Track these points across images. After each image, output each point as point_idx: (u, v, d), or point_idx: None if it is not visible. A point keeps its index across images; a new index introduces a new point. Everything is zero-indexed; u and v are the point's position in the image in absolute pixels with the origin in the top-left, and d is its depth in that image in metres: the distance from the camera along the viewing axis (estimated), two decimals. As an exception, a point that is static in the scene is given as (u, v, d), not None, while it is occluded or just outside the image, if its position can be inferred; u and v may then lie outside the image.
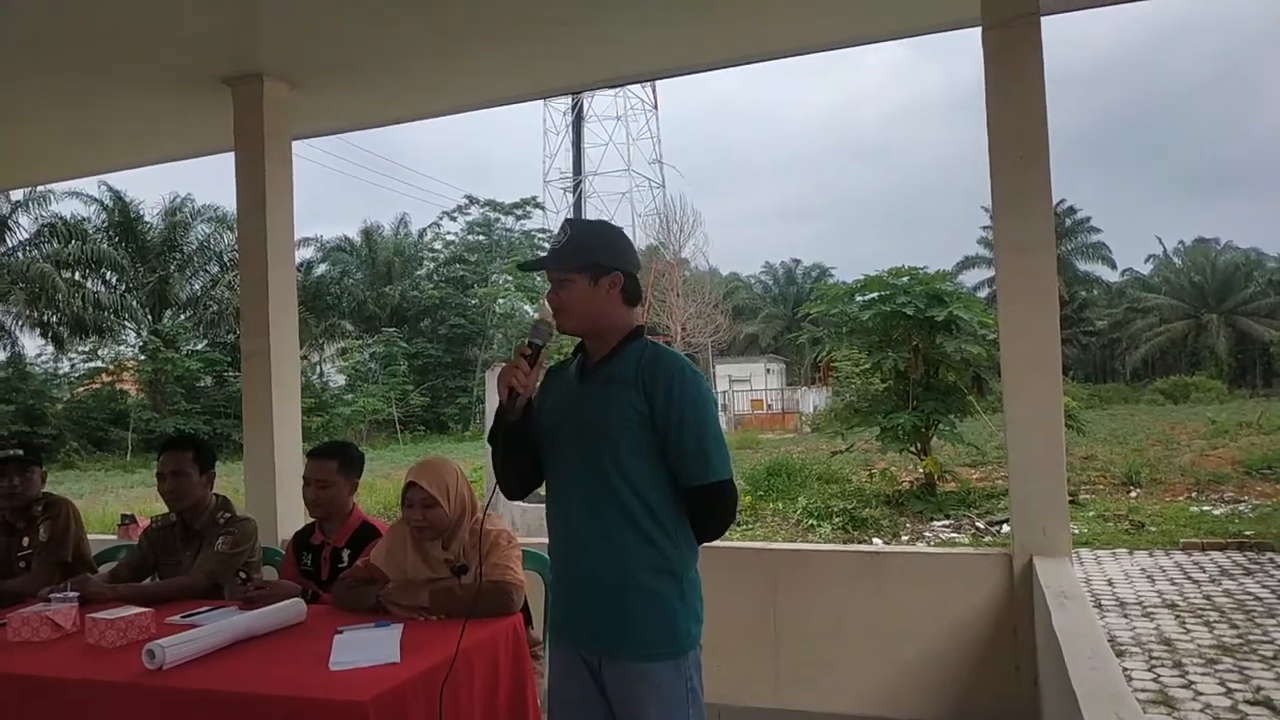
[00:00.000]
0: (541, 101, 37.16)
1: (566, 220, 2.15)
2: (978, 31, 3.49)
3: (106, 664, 2.25)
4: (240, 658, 2.25)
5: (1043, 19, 3.45)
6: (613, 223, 2.30)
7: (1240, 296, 40.91)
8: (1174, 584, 7.06)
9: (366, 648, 2.25)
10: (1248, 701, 4.46)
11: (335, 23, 3.93)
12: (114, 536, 5.49)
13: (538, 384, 2.15)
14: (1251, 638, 5.52)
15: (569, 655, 2.10)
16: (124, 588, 2.98)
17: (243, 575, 2.82)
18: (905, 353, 11.36)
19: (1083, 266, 42.78)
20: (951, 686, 3.40)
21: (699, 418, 1.97)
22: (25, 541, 3.32)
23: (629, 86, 36.40)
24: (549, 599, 2.44)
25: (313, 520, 3.15)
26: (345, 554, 3.00)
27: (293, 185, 4.70)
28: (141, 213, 29.33)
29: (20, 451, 3.32)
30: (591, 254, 2.05)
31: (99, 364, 29.93)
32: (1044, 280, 3.25)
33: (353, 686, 1.99)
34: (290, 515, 4.06)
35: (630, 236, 2.20)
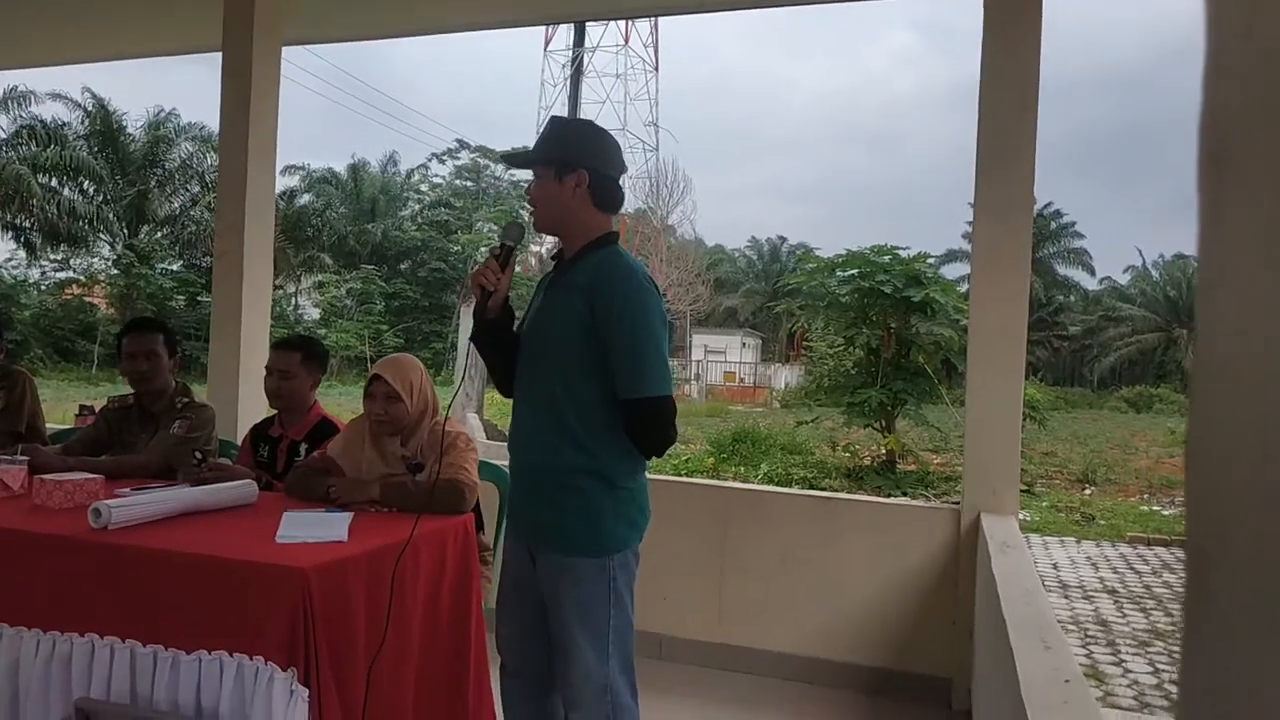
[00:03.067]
0: (542, 52, 36.77)
1: (552, 116, 2.14)
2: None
3: (52, 521, 2.25)
4: (186, 526, 2.25)
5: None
6: (596, 123, 2.29)
7: (1213, 315, 41.46)
8: (1116, 572, 7.24)
9: (314, 526, 2.26)
10: (1173, 681, 4.59)
11: (336, -81, 3.85)
12: (70, 426, 5.42)
13: (508, 285, 2.16)
14: (1184, 625, 5.67)
15: (515, 543, 2.18)
16: (75, 460, 2.95)
17: (198, 455, 2.80)
18: (879, 331, 11.45)
19: (1062, 270, 43.12)
20: (889, 634, 3.48)
21: (637, 332, 1.97)
22: (-22, 409, 3.29)
23: (630, 46, 36.05)
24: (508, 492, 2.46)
25: (272, 413, 3.14)
26: (302, 447, 3.00)
27: (279, 90, 4.61)
28: (124, 123, 28.71)
29: (-21, 319, 3.27)
30: (562, 149, 2.06)
31: (71, 274, 29.46)
32: (1019, 240, 3.27)
33: (297, 555, 2.00)
34: (251, 413, 4.02)
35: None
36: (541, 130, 2.11)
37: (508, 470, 2.25)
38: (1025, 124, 3.31)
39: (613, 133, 2.20)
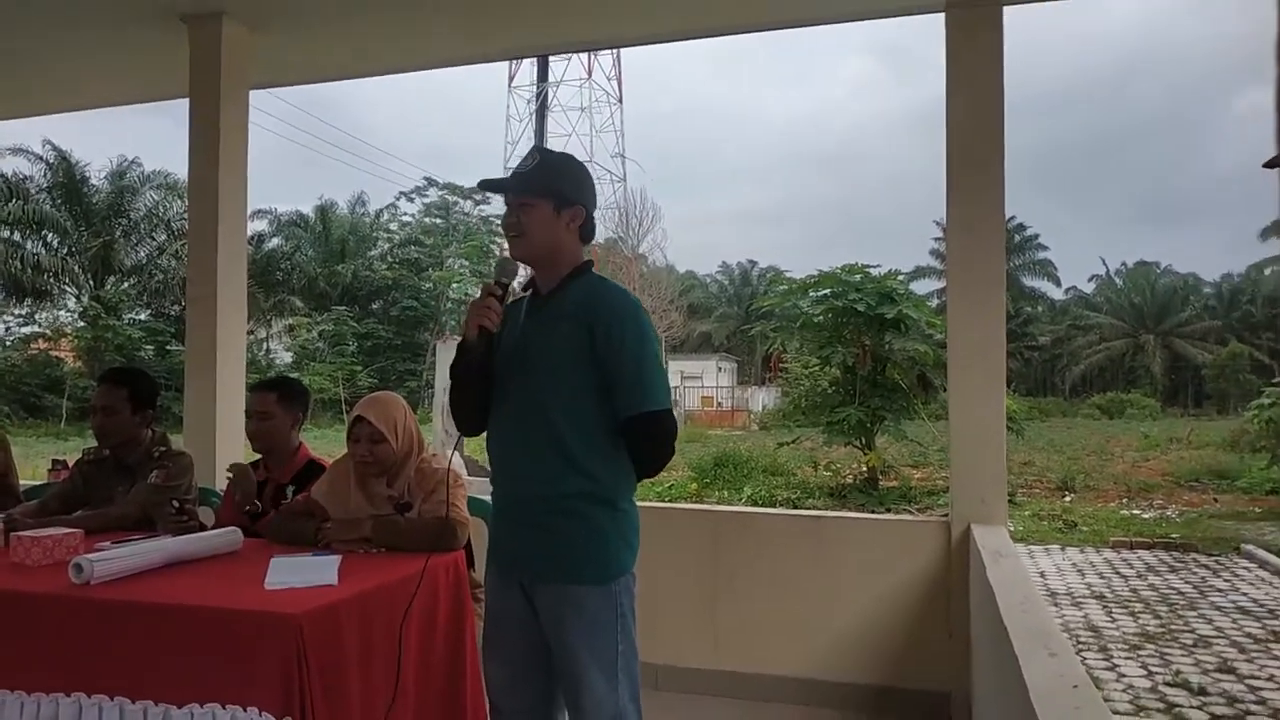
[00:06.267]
0: (506, 88, 37.07)
1: (535, 147, 2.15)
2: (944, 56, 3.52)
3: (31, 579, 2.19)
4: (172, 577, 2.20)
5: (1005, 9, 3.52)
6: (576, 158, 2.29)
7: (1177, 319, 42.19)
8: (1102, 578, 7.27)
9: (303, 571, 2.21)
10: (1167, 683, 4.61)
11: (300, -38, 3.85)
12: (44, 481, 5.31)
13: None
14: (1173, 627, 5.71)
15: (505, 579, 2.14)
16: (51, 519, 2.89)
17: (176, 504, 2.75)
18: (854, 349, 11.53)
19: (1029, 283, 43.78)
20: (885, 650, 3.46)
21: (638, 349, 1.99)
22: (-50, 469, 3.21)
23: (594, 79, 36.40)
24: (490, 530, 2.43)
25: (256, 458, 3.09)
26: (289, 491, 2.95)
27: (248, 134, 4.59)
28: (87, 174, 28.48)
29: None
30: (559, 182, 2.07)
31: (36, 328, 29.04)
32: (992, 253, 3.31)
33: (288, 602, 1.96)
34: (230, 460, 3.94)
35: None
36: (528, 159, 2.08)
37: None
38: (992, 140, 3.37)
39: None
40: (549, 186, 2.05)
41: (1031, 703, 1.44)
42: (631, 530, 2.07)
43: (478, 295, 2.10)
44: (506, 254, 2.19)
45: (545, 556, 2.02)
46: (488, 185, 2.23)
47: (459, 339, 2.11)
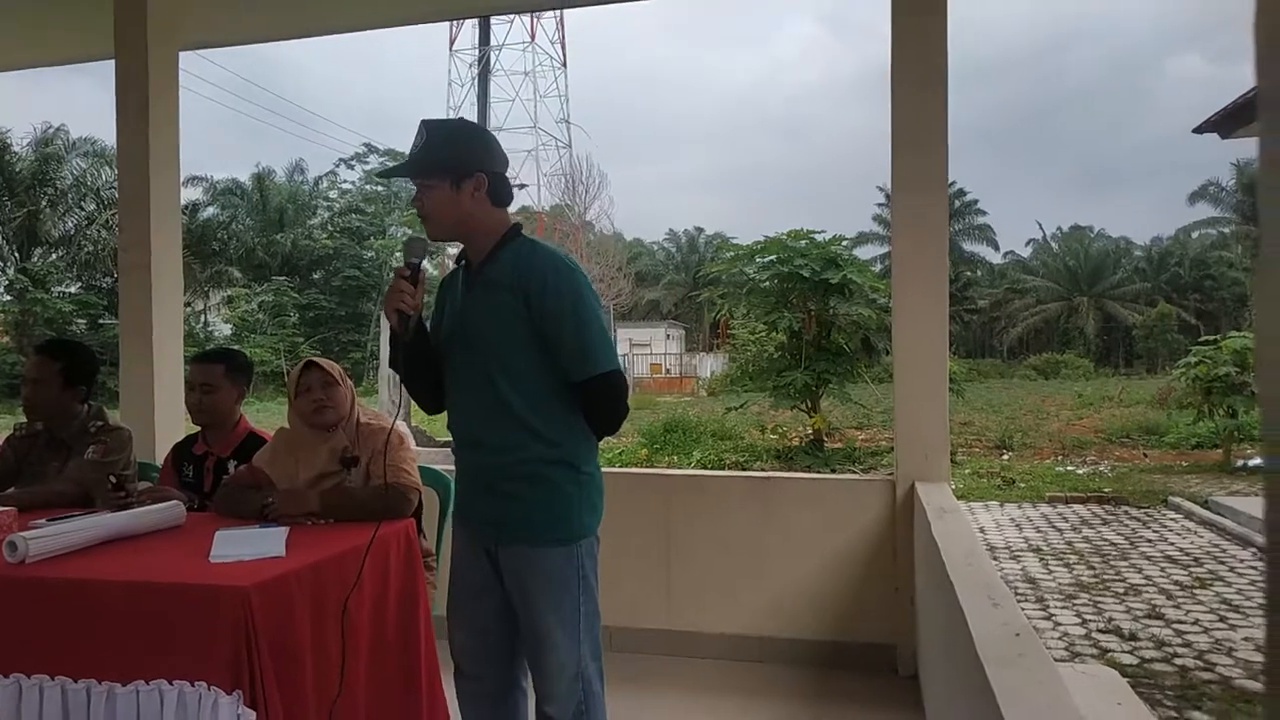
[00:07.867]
0: (448, 52, 36.30)
1: (423, 122, 2.03)
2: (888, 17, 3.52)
3: (-38, 559, 2.11)
4: (112, 554, 2.15)
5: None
6: (470, 120, 2.23)
7: (1109, 282, 43.42)
8: (1039, 531, 7.52)
9: (249, 543, 2.17)
10: (1100, 630, 4.79)
11: (229, -84, 3.71)
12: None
13: (425, 300, 2.11)
14: (1106, 577, 5.93)
15: (469, 543, 2.14)
16: (-18, 495, 2.79)
17: (113, 480, 2.67)
18: (800, 314, 11.65)
19: (968, 247, 44.61)
20: (834, 607, 3.54)
21: (576, 313, 1.96)
22: None
23: (538, 43, 35.83)
24: (453, 488, 2.41)
25: (195, 431, 3.02)
26: (231, 465, 2.89)
27: (178, 96, 4.44)
28: (9, 142, 27.27)
29: None
30: (450, 157, 2.00)
31: (-43, 303, 27.94)
32: (937, 212, 3.36)
33: (235, 574, 1.93)
34: (169, 432, 3.88)
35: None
36: (417, 138, 2.00)
37: (448, 475, 2.21)
38: (936, 101, 3.40)
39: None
40: (440, 163, 1.98)
41: (977, 651, 1.49)
42: (595, 493, 2.08)
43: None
44: (415, 235, 2.14)
45: (509, 520, 2.02)
46: (384, 174, 2.19)
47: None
